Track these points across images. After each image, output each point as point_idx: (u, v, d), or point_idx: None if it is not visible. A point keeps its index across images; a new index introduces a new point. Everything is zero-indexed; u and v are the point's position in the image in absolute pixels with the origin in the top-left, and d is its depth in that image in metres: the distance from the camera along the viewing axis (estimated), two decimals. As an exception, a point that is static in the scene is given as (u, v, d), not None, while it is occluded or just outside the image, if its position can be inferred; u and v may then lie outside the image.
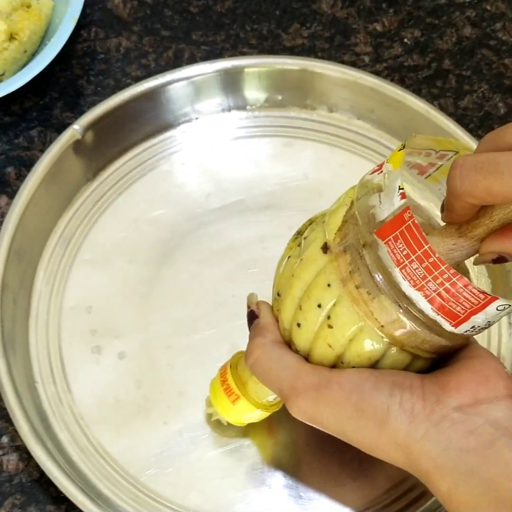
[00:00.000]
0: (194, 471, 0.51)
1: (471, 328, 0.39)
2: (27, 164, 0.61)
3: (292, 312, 0.43)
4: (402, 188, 0.38)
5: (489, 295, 0.37)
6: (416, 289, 0.38)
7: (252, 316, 0.45)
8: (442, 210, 0.40)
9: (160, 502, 0.51)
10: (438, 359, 0.43)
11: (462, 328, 0.39)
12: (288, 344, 0.44)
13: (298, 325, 0.42)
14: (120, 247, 0.57)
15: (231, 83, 0.60)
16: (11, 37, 0.60)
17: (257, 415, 0.49)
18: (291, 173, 0.59)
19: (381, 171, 0.40)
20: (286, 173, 0.59)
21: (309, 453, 0.52)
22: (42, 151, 0.61)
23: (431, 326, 0.40)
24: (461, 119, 0.61)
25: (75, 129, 0.58)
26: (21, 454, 0.52)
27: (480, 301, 0.38)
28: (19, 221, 0.55)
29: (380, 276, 0.39)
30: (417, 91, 0.61)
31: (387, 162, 0.40)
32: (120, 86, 0.63)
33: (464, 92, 0.62)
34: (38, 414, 0.52)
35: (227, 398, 0.48)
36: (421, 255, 0.37)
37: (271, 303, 0.46)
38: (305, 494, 0.51)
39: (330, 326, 0.41)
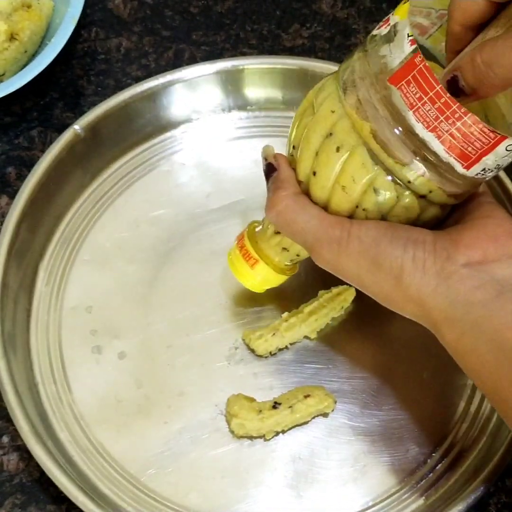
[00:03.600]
0: (194, 470, 0.52)
1: (482, 170, 0.41)
2: (28, 164, 0.61)
3: (310, 161, 0.44)
4: (411, 35, 0.40)
5: (499, 134, 0.39)
6: (429, 131, 0.40)
7: (270, 169, 0.46)
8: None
9: (160, 501, 0.51)
10: (449, 211, 0.45)
11: (474, 171, 0.41)
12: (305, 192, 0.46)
13: (314, 173, 0.44)
14: (121, 247, 0.57)
15: (231, 83, 0.60)
16: (12, 37, 0.61)
17: (275, 278, 0.50)
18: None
19: (388, 25, 0.41)
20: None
21: (309, 453, 0.52)
22: (42, 151, 0.61)
23: (444, 170, 0.41)
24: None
25: (76, 129, 0.58)
26: (21, 454, 0.52)
27: (491, 140, 0.39)
28: (20, 221, 0.55)
29: (394, 122, 0.41)
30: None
31: (392, 15, 0.41)
32: (120, 86, 0.63)
33: (464, 92, 0.61)
34: (38, 414, 0.52)
35: (245, 263, 0.50)
36: (433, 96, 0.39)
37: None
38: (305, 494, 0.51)
39: (346, 171, 0.43)
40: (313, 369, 0.54)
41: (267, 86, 0.61)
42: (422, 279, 0.42)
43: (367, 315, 0.55)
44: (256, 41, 0.65)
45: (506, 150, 0.40)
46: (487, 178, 0.43)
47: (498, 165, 0.41)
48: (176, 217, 0.58)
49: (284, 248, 0.49)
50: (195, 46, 0.65)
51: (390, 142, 0.41)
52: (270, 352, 0.54)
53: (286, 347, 0.54)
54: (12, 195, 0.60)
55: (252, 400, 0.52)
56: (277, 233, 0.48)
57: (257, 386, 0.53)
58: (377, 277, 0.43)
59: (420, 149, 0.41)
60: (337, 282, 0.55)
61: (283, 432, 0.52)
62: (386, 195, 0.43)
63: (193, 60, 0.64)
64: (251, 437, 0.52)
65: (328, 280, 0.55)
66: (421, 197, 0.43)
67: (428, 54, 0.44)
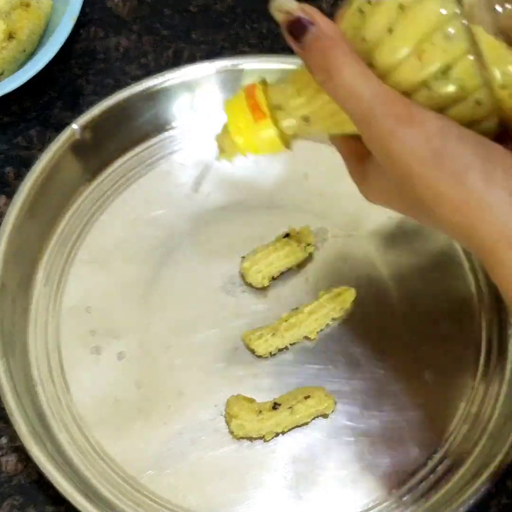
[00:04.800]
0: (194, 472, 0.51)
1: None
2: (26, 164, 0.61)
3: (389, 14, 0.38)
4: None
5: None
6: None
7: (300, 25, 0.39)
8: None
9: (160, 503, 0.51)
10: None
11: None
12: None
13: (390, 31, 0.38)
14: (120, 247, 0.57)
15: (231, 82, 0.60)
16: (10, 36, 0.60)
17: (271, 143, 0.44)
18: (291, 173, 0.59)
19: None
20: (285, 173, 0.59)
21: (309, 454, 0.52)
22: (41, 150, 0.61)
23: None
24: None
25: (74, 128, 0.58)
26: (20, 455, 0.52)
27: None
28: (18, 221, 0.55)
29: None
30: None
31: None
32: (119, 86, 0.63)
33: (464, 92, 0.61)
34: (37, 415, 0.52)
35: (250, 114, 0.44)
36: None
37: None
38: (305, 495, 0.51)
39: (431, 34, 0.38)
40: (313, 369, 0.53)
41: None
42: (488, 187, 0.37)
43: (367, 315, 0.55)
44: (255, 40, 0.64)
45: None
46: None
47: None
48: (176, 217, 0.58)
49: (304, 113, 0.43)
50: (194, 45, 0.64)
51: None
52: (270, 353, 0.54)
53: (286, 348, 0.54)
54: (10, 195, 0.59)
55: (252, 401, 0.52)
56: (302, 94, 0.42)
57: (256, 386, 0.53)
58: (433, 172, 0.38)
59: None
60: (337, 282, 0.56)
61: (283, 433, 0.52)
62: (463, 81, 0.38)
63: (192, 59, 0.64)
64: (250, 438, 0.52)
65: (328, 281, 0.56)
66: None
67: None
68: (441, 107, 0.39)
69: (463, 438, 0.52)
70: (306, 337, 0.54)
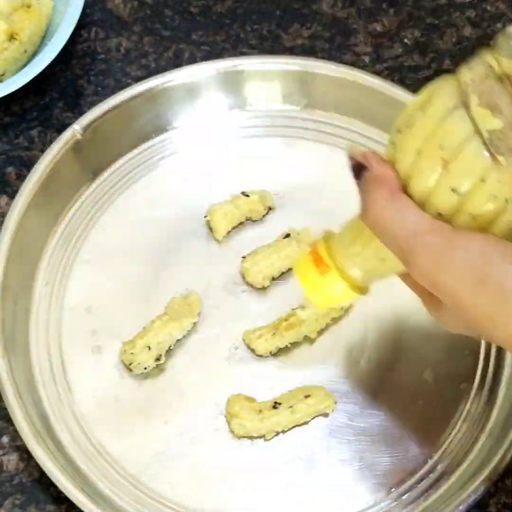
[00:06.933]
0: (195, 471, 0.52)
1: None
2: (28, 164, 0.61)
3: (413, 154, 0.40)
4: None
5: None
6: None
7: (359, 168, 0.42)
8: None
9: (161, 502, 0.51)
10: None
11: None
12: (404, 190, 0.41)
13: (419, 170, 0.40)
14: (121, 247, 0.57)
15: (231, 83, 0.60)
16: (11, 37, 0.61)
17: (344, 292, 0.45)
18: (292, 173, 0.59)
19: None
20: (286, 173, 0.59)
21: (309, 453, 0.52)
22: (42, 151, 0.61)
23: None
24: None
25: (75, 129, 0.58)
26: (21, 454, 0.52)
27: None
28: (20, 221, 0.56)
29: None
30: (417, 91, 0.61)
31: None
32: (120, 86, 0.63)
33: (464, 92, 0.62)
34: (38, 415, 0.52)
35: (315, 269, 0.45)
36: None
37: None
38: (305, 494, 0.51)
39: (457, 168, 0.38)
40: (313, 369, 0.54)
41: (267, 86, 0.60)
42: None
43: (366, 315, 0.55)
44: (256, 41, 0.64)
45: None
46: None
47: None
48: (176, 217, 0.58)
49: (363, 260, 0.44)
50: (195, 46, 0.65)
51: None
52: (270, 352, 0.54)
53: (286, 347, 0.54)
54: (12, 195, 0.60)
55: (252, 400, 0.52)
56: (357, 241, 0.44)
57: (257, 386, 0.53)
58: (481, 296, 0.38)
59: None
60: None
61: (283, 432, 0.52)
62: (498, 199, 0.39)
63: (193, 60, 0.64)
64: (251, 437, 0.52)
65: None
66: None
67: None
68: (482, 226, 0.39)
69: (463, 437, 0.52)
70: (306, 337, 0.54)
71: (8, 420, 0.52)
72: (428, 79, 0.61)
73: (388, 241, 0.40)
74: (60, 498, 0.51)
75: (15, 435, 0.52)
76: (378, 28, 0.64)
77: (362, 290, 0.45)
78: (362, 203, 0.42)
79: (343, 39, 0.64)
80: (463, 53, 0.63)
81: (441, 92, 0.40)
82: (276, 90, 0.61)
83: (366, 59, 0.63)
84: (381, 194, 0.40)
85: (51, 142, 0.59)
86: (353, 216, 0.44)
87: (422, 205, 0.40)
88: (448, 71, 0.61)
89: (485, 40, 0.63)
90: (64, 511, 0.51)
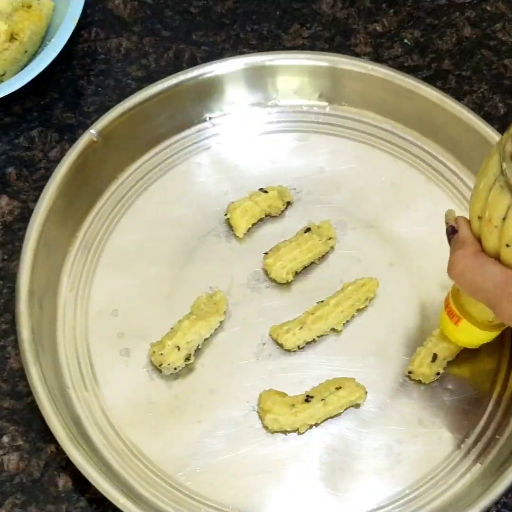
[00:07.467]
0: (230, 468, 0.52)
1: None
2: (28, 165, 0.60)
3: (477, 220, 0.44)
4: None
5: None
6: None
7: (452, 231, 0.47)
8: None
9: (199, 500, 0.51)
10: None
11: None
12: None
13: (483, 234, 0.44)
14: (142, 249, 0.57)
15: (243, 81, 0.60)
16: (12, 38, 0.60)
17: (481, 334, 0.50)
18: (307, 167, 0.60)
19: None
20: (302, 167, 0.60)
21: (343, 444, 0.52)
22: (42, 151, 0.61)
23: None
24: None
25: (92, 133, 0.57)
26: (21, 454, 0.52)
27: None
28: (41, 229, 0.55)
29: None
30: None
31: None
32: (120, 87, 0.63)
33: (464, 92, 0.63)
34: (71, 419, 0.51)
35: (450, 321, 0.51)
36: None
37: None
38: (341, 485, 0.51)
39: (506, 231, 0.43)
40: (341, 360, 0.54)
41: (283, 82, 0.60)
42: None
43: (392, 304, 0.56)
44: (256, 41, 0.65)
45: None
46: None
47: None
48: (195, 217, 0.58)
49: (483, 306, 0.47)
50: (195, 46, 0.65)
51: None
52: (298, 346, 0.54)
53: (314, 340, 0.55)
54: (12, 195, 0.59)
55: (284, 395, 0.53)
56: None
57: (287, 380, 0.54)
58: None
59: None
60: (360, 273, 0.56)
61: (317, 425, 0.53)
62: None
63: (193, 60, 0.64)
64: (285, 432, 0.52)
65: (351, 272, 0.56)
66: None
67: None
68: None
69: (495, 423, 0.53)
70: (333, 329, 0.55)
71: (8, 420, 0.52)
72: (427, 79, 0.63)
73: (473, 291, 0.46)
74: (60, 498, 0.51)
75: (15, 435, 0.52)
76: (378, 28, 0.65)
77: (496, 328, 0.50)
78: (449, 261, 0.47)
79: (343, 39, 0.65)
80: (463, 53, 0.64)
81: (490, 161, 0.43)
82: (288, 86, 0.61)
83: (366, 59, 0.64)
84: (465, 253, 0.45)
85: (51, 142, 0.59)
86: None
87: (497, 259, 0.45)
88: (448, 71, 0.64)
89: (485, 40, 0.65)
90: (64, 511, 0.51)
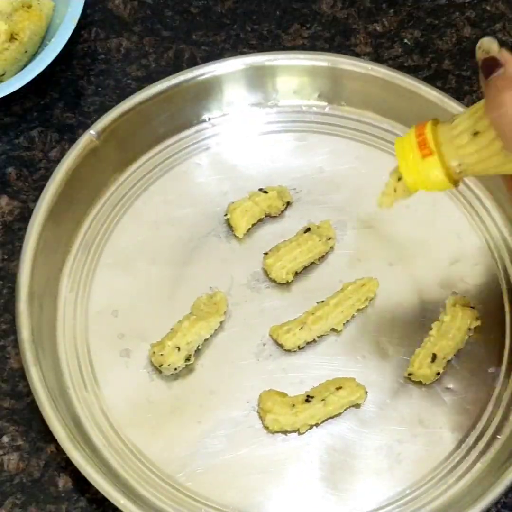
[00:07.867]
0: (231, 468, 0.52)
1: None
2: (28, 165, 0.60)
3: None
4: None
5: None
6: None
7: (493, 64, 0.41)
8: None
9: (199, 500, 0.51)
10: None
11: None
12: None
13: None
14: (142, 249, 0.57)
15: (243, 81, 0.60)
16: (12, 38, 0.60)
17: (437, 180, 0.45)
18: (307, 167, 0.60)
19: None
20: (302, 167, 0.60)
21: (343, 444, 0.52)
22: (42, 151, 0.61)
23: None
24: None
25: (91, 134, 0.57)
26: (21, 454, 0.52)
27: None
28: (41, 230, 0.55)
29: None
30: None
31: None
32: (120, 87, 0.63)
33: (464, 92, 0.63)
34: (71, 419, 0.51)
35: (418, 151, 0.45)
36: None
37: None
38: (342, 485, 0.51)
39: None
40: (341, 360, 0.54)
41: (283, 82, 0.60)
42: None
43: (392, 304, 0.56)
44: (256, 41, 0.65)
45: None
46: None
47: None
48: (195, 217, 0.58)
49: (466, 154, 0.44)
50: (195, 46, 0.65)
51: None
52: (298, 346, 0.54)
53: (314, 340, 0.55)
54: (12, 195, 0.59)
55: (284, 395, 0.53)
56: (465, 134, 0.44)
57: (287, 380, 0.54)
58: None
59: None
60: (360, 273, 0.56)
61: (317, 425, 0.53)
62: None
63: (193, 60, 0.64)
64: (285, 432, 0.52)
65: (351, 272, 0.56)
66: None
67: None
68: None
69: (495, 423, 0.53)
70: (333, 329, 0.55)
71: (8, 420, 0.52)
72: (428, 79, 0.63)
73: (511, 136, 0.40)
74: (60, 498, 0.51)
75: (15, 435, 0.52)
76: (378, 28, 0.65)
77: (455, 183, 0.46)
78: (490, 99, 0.41)
79: (343, 39, 0.65)
80: (463, 53, 0.64)
81: None
82: (288, 86, 0.61)
83: (366, 59, 0.64)
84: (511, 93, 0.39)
85: (51, 142, 0.59)
86: (465, 111, 0.44)
87: None
88: (448, 71, 0.64)
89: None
90: (64, 511, 0.51)
